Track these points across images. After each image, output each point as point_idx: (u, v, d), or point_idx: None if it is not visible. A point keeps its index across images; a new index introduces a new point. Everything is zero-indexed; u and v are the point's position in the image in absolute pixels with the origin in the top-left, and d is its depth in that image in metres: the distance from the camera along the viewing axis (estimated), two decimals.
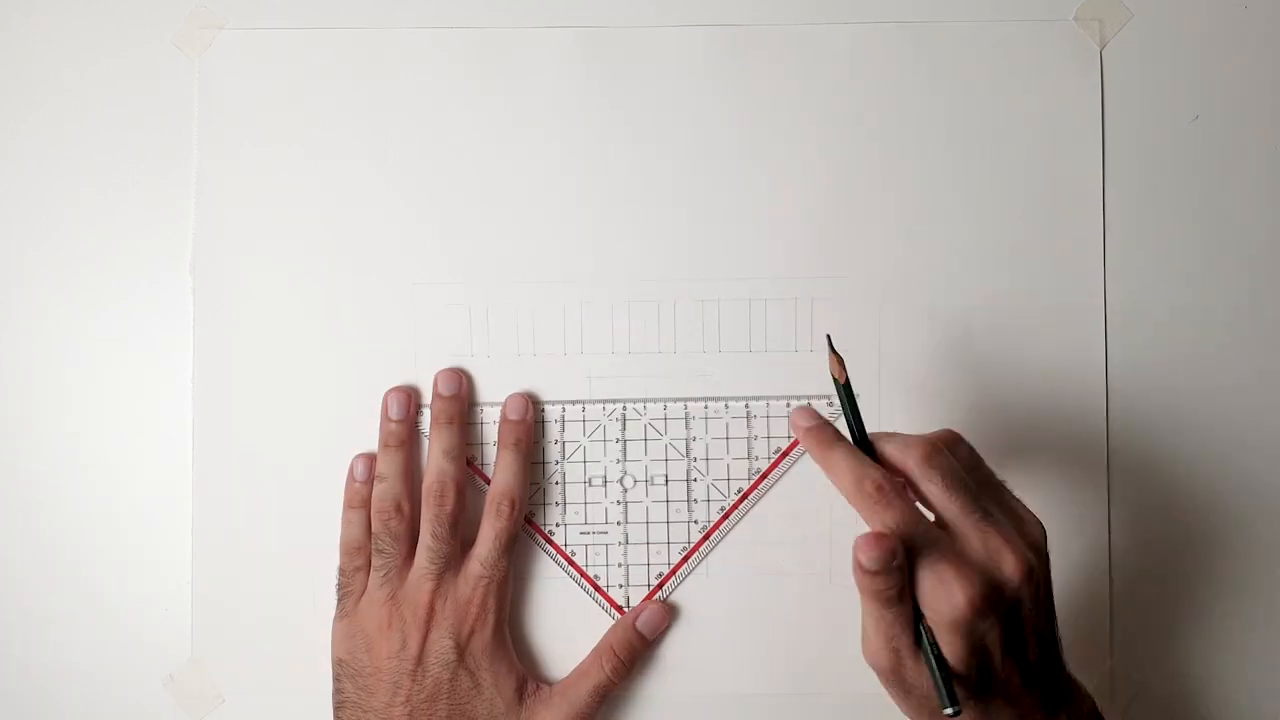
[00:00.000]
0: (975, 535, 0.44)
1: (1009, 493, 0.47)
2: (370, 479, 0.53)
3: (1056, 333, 0.55)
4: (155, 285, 0.55)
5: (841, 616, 0.54)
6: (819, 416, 0.49)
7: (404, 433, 0.53)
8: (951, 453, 0.46)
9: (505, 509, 0.52)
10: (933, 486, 0.45)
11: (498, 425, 0.54)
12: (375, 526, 0.53)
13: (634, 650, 0.53)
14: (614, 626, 0.54)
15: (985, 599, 0.43)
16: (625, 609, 0.54)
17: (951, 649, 0.43)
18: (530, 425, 0.54)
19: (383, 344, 0.55)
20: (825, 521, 0.54)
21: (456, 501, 0.52)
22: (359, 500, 0.53)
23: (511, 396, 0.54)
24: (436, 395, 0.54)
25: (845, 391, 0.49)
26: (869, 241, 0.55)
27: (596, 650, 0.53)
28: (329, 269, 0.55)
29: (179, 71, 0.55)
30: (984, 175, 0.55)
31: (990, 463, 0.49)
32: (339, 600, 0.53)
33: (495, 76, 0.55)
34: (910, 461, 0.45)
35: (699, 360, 0.55)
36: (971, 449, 0.48)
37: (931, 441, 0.46)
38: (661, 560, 0.54)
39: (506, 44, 0.55)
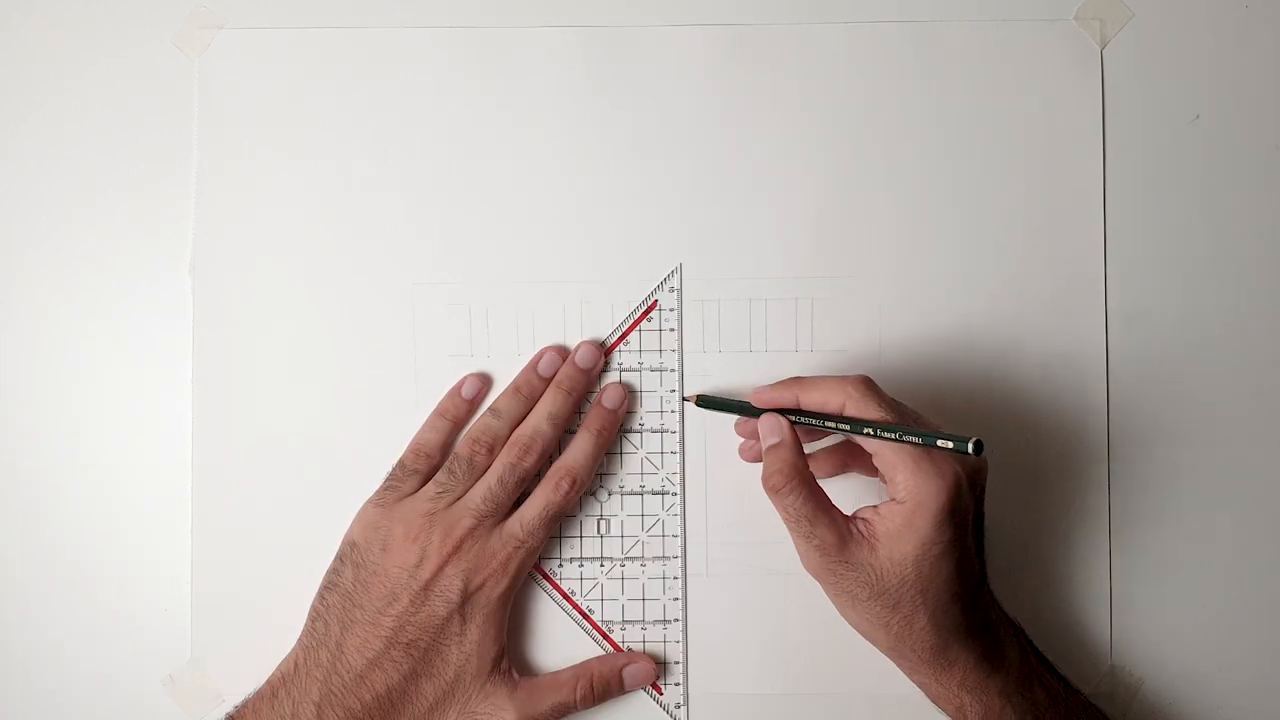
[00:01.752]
0: (904, 453, 0.46)
1: (935, 425, 0.50)
2: (475, 400, 0.54)
3: (1056, 332, 0.55)
4: (155, 286, 0.55)
5: (841, 617, 0.54)
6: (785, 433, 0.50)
7: (539, 390, 0.54)
8: (871, 393, 0.48)
9: (564, 485, 0.52)
10: (877, 408, 0.47)
11: (589, 408, 0.54)
12: (461, 449, 0.53)
13: (610, 690, 0.53)
14: (602, 658, 0.54)
15: (962, 479, 0.46)
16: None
17: (939, 528, 0.46)
18: (619, 418, 0.54)
19: (383, 344, 0.55)
20: None
21: (535, 462, 0.52)
22: (454, 413, 0.54)
23: (611, 385, 0.54)
24: (570, 362, 0.54)
25: (706, 403, 0.53)
26: (869, 241, 0.55)
27: (576, 670, 0.53)
28: (329, 269, 0.55)
29: (179, 71, 0.55)
30: (984, 175, 0.55)
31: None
32: (382, 489, 0.53)
33: (495, 76, 0.55)
34: (848, 396, 0.48)
35: (699, 360, 0.55)
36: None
37: (861, 376, 0.49)
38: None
39: (506, 44, 0.55)
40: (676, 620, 0.54)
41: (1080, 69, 0.55)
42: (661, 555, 0.54)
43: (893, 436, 0.46)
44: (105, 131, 0.55)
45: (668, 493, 0.54)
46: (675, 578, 0.54)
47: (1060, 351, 0.54)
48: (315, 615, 0.52)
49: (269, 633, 0.54)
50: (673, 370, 0.55)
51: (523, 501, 0.52)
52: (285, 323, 0.55)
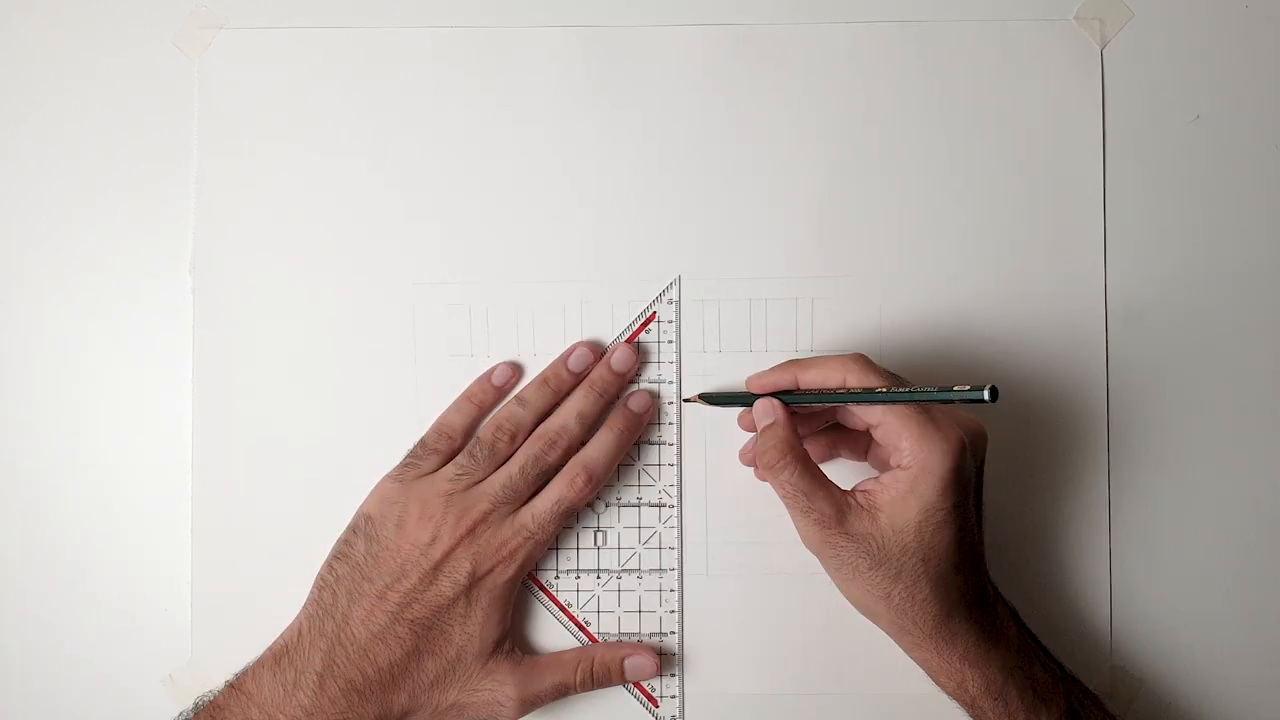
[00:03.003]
0: (910, 422, 0.47)
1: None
2: (505, 387, 0.54)
3: (1056, 331, 0.55)
4: (155, 285, 0.55)
5: (842, 616, 0.54)
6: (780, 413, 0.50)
7: (569, 384, 0.54)
8: (870, 368, 0.49)
9: (580, 480, 0.52)
10: (879, 378, 0.48)
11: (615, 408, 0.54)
12: (485, 434, 0.53)
13: (609, 677, 0.53)
14: (607, 645, 0.54)
15: (967, 445, 0.46)
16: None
17: (943, 494, 0.46)
18: (643, 423, 0.54)
19: (383, 344, 0.55)
20: None
21: (559, 457, 0.52)
22: (480, 397, 0.54)
23: (640, 391, 0.54)
24: (605, 364, 0.54)
25: (710, 399, 0.53)
26: (869, 241, 0.55)
27: (579, 653, 0.53)
28: (329, 269, 0.55)
29: (179, 71, 0.55)
30: (984, 175, 0.55)
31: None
32: (401, 465, 0.53)
33: (495, 76, 0.55)
34: (848, 371, 0.48)
35: (699, 360, 0.55)
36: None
37: (857, 354, 0.49)
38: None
39: (506, 44, 0.55)
40: (673, 633, 0.54)
41: (1080, 69, 0.55)
42: (659, 568, 0.54)
43: (905, 396, 0.46)
44: (105, 131, 0.55)
45: (665, 505, 0.54)
46: (672, 590, 0.54)
47: (1060, 351, 0.55)
48: (322, 584, 0.52)
49: (269, 633, 0.54)
50: (670, 382, 0.55)
51: (538, 493, 0.53)
52: (285, 323, 0.55)
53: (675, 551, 0.54)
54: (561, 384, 0.54)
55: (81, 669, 0.54)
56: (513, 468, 0.52)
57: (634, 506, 0.54)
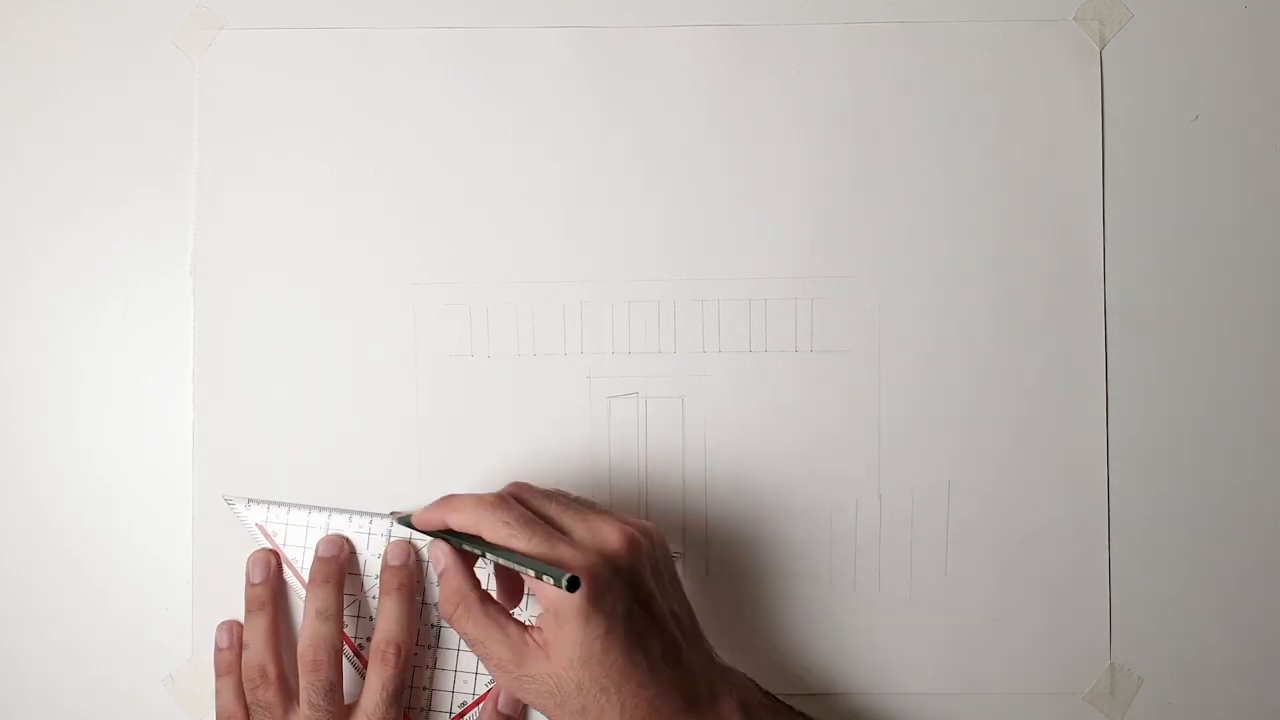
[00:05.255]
0: (578, 527, 0.47)
1: (599, 507, 0.50)
2: (234, 645, 0.52)
3: (1056, 332, 0.55)
4: (155, 286, 0.55)
5: (842, 617, 0.54)
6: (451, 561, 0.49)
7: (265, 595, 0.52)
8: (518, 497, 0.48)
9: (390, 656, 0.50)
10: (504, 525, 0.46)
11: (379, 574, 0.53)
12: (248, 696, 0.51)
13: None
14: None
15: (599, 566, 0.45)
16: None
17: (587, 623, 0.44)
18: (412, 570, 0.52)
19: (383, 344, 0.55)
20: (825, 522, 0.54)
21: (332, 667, 0.50)
22: (225, 667, 0.52)
23: (391, 547, 0.53)
24: (316, 557, 0.53)
25: (406, 522, 0.51)
26: (869, 241, 0.55)
27: None
28: (329, 269, 0.55)
29: (179, 71, 0.55)
30: (984, 175, 0.55)
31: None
32: None
33: (495, 76, 0.55)
34: (480, 517, 0.47)
35: (699, 360, 0.55)
36: (538, 488, 0.49)
37: (504, 491, 0.48)
38: (467, 689, 0.53)
39: (506, 44, 0.55)
40: None
41: (1080, 69, 0.55)
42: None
43: (507, 563, 0.45)
44: (105, 131, 0.55)
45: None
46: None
47: (1060, 351, 0.55)
48: None
49: None
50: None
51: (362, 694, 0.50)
52: (285, 323, 0.55)
53: None
54: (260, 600, 0.52)
55: (81, 669, 0.54)
56: (303, 708, 0.50)
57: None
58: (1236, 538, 0.54)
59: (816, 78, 0.55)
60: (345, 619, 0.52)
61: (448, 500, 0.49)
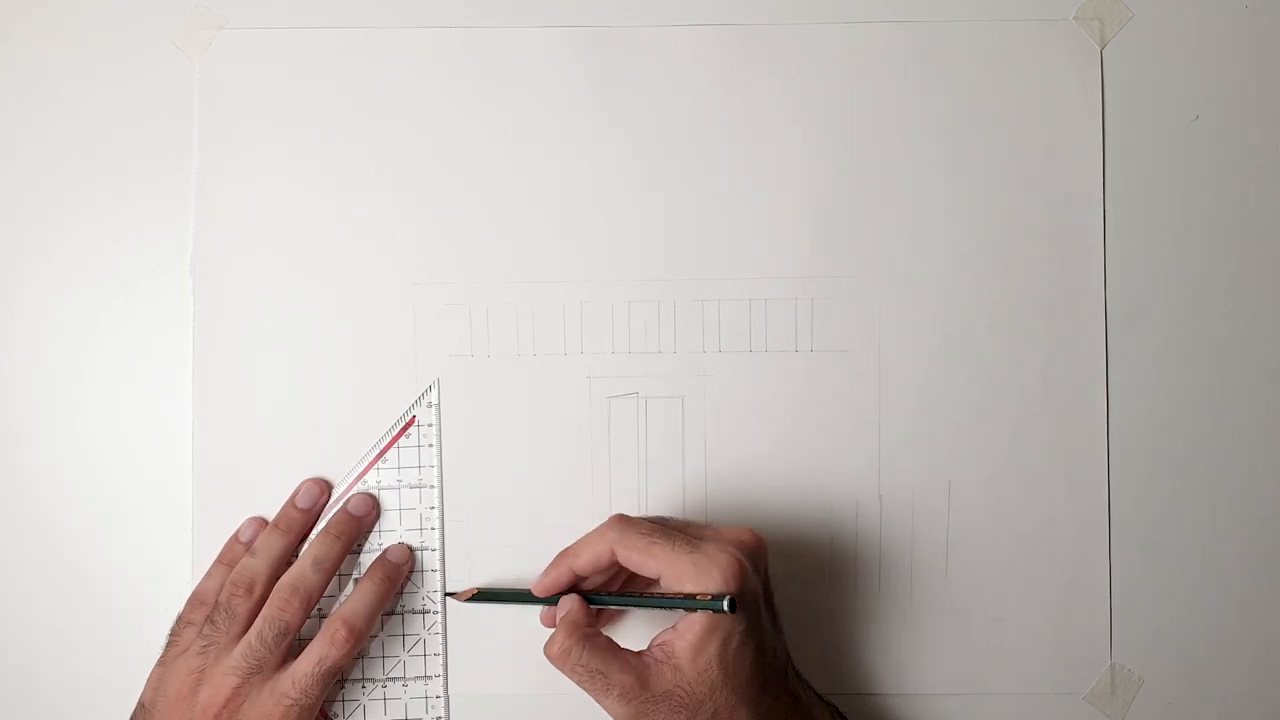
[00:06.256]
0: (705, 531, 0.48)
1: (706, 524, 0.51)
2: (250, 546, 0.53)
3: (1056, 333, 0.55)
4: (155, 286, 0.55)
5: (842, 617, 0.54)
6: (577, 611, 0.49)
7: (300, 524, 0.53)
8: (629, 526, 0.48)
9: (340, 635, 0.50)
10: (638, 534, 0.47)
11: (374, 562, 0.53)
12: (222, 596, 0.50)
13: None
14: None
15: (744, 564, 0.46)
16: None
17: (733, 619, 0.45)
18: (402, 572, 0.53)
19: (383, 344, 0.55)
20: (825, 522, 0.54)
21: (299, 612, 0.50)
22: (229, 558, 0.52)
23: (396, 545, 0.53)
24: (343, 509, 0.53)
25: (485, 598, 0.52)
26: (869, 241, 0.55)
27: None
28: (329, 269, 0.55)
29: (179, 71, 0.55)
30: (984, 175, 0.55)
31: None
32: (166, 644, 0.51)
33: (495, 76, 0.55)
34: (610, 542, 0.47)
35: (699, 360, 0.55)
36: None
37: (614, 518, 0.48)
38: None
39: (506, 44, 0.55)
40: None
41: (1080, 69, 0.55)
42: (423, 675, 0.54)
43: (650, 603, 0.47)
44: (105, 131, 0.55)
45: (429, 611, 0.54)
46: (438, 696, 0.54)
47: (1060, 351, 0.55)
48: None
49: None
50: (432, 486, 0.54)
51: (300, 654, 0.50)
52: (285, 322, 0.55)
53: (440, 658, 0.54)
54: (293, 524, 0.52)
55: (81, 669, 0.54)
56: (251, 635, 0.49)
57: (397, 614, 0.54)
58: (1236, 538, 0.54)
59: (816, 78, 0.55)
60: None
61: (565, 552, 0.49)
